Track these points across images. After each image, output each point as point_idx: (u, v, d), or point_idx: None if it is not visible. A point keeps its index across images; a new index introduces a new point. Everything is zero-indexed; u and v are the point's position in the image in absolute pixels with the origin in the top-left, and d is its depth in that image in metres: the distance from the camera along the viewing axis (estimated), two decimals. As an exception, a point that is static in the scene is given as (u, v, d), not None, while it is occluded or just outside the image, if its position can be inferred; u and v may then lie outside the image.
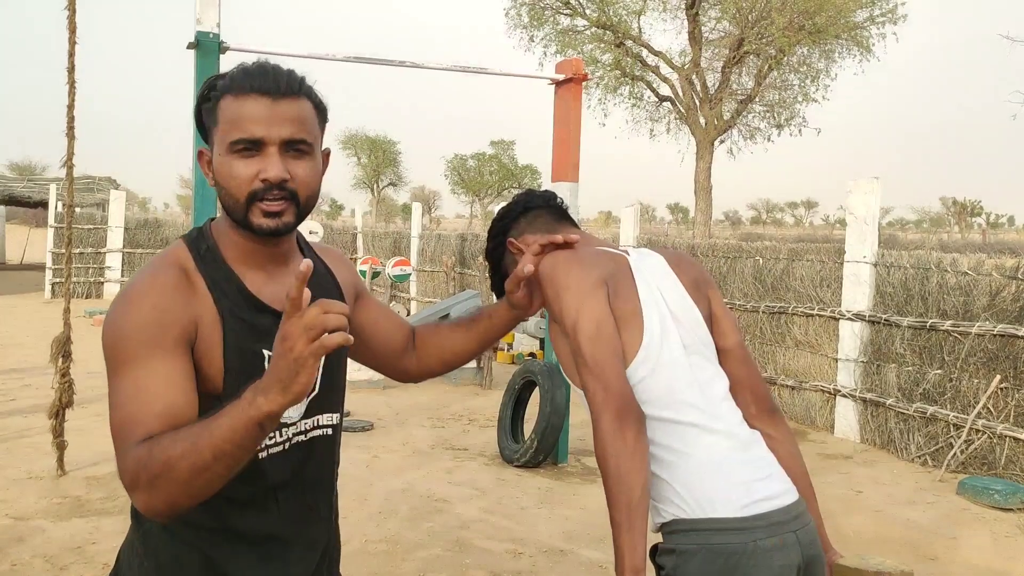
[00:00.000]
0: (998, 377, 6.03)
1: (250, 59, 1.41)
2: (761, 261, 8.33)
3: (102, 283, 17.04)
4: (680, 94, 20.14)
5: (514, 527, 4.76)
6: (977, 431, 6.12)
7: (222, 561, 1.38)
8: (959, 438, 6.17)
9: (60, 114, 5.08)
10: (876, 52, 19.85)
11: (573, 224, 1.92)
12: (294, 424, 1.43)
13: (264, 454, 1.39)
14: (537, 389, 6.19)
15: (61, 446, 5.32)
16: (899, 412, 6.68)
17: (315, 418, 1.47)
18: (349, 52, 5.59)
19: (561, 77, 5.99)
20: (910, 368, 6.70)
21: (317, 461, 1.48)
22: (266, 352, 1.37)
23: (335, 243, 17.05)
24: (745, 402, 1.74)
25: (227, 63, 5.39)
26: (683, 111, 20.28)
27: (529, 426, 6.27)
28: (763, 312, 8.14)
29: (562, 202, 1.94)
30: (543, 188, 2.00)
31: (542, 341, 11.81)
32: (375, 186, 63.26)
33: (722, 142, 20.73)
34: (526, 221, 1.89)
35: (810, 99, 19.91)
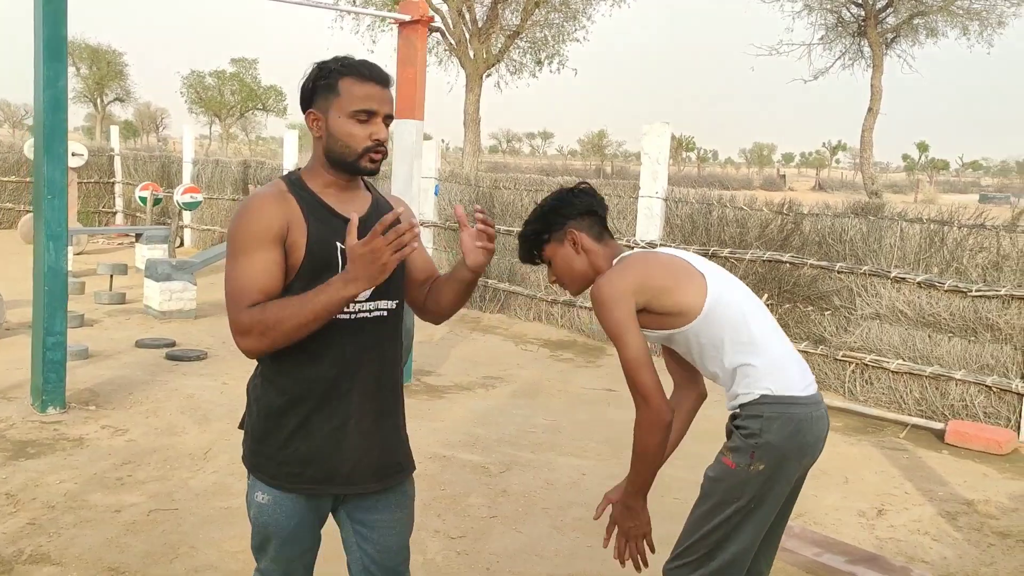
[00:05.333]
0: (765, 295, 7.33)
1: None
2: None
3: None
4: (451, 26, 20.50)
5: (395, 439, 5.21)
6: (747, 339, 7.41)
7: (300, 397, 1.95)
8: (733, 346, 7.44)
9: None
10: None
11: (609, 234, 2.42)
12: (362, 303, 1.98)
13: (342, 316, 1.93)
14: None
15: None
16: (685, 326, 7.85)
17: (376, 302, 2.00)
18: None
19: (407, 18, 6.23)
20: (693, 289, 7.87)
21: (377, 332, 2.02)
22: (338, 244, 1.92)
23: (91, 166, 15.71)
24: None
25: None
26: (453, 43, 20.69)
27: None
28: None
29: (607, 211, 2.43)
30: (583, 183, 2.49)
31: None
32: (99, 101, 57.29)
33: (489, 76, 21.47)
34: (583, 221, 2.36)
35: (571, 38, 21.16)
